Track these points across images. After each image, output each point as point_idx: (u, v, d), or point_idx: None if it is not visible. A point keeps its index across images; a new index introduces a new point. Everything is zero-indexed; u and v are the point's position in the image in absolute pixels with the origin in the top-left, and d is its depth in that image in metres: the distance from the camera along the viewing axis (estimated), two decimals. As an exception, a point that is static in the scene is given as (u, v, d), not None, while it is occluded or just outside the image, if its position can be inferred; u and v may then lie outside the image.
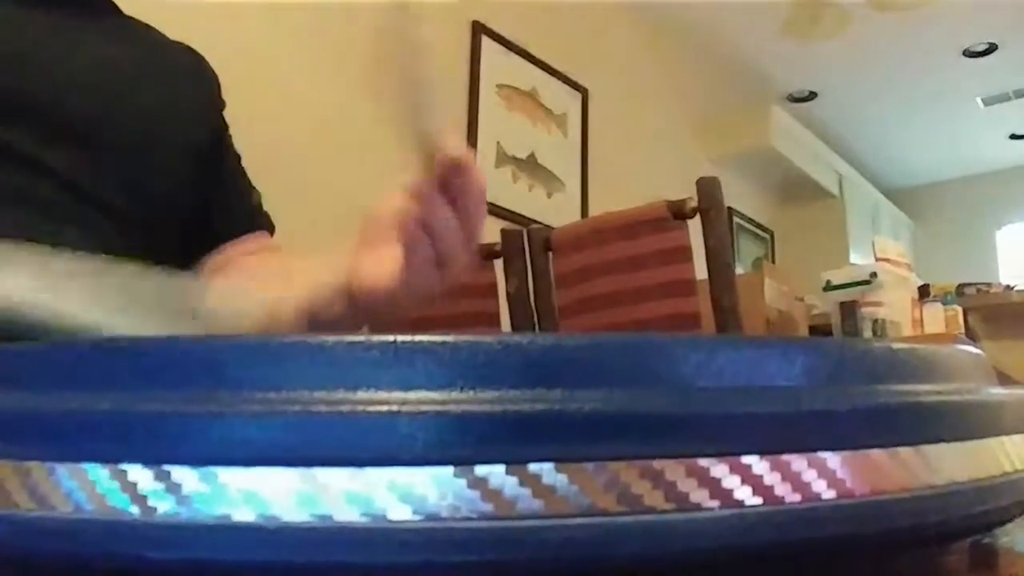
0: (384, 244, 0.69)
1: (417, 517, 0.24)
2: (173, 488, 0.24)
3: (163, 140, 0.93)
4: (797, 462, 0.26)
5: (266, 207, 1.06)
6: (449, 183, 0.69)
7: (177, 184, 0.93)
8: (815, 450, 0.27)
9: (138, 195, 0.88)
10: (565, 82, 4.29)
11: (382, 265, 0.68)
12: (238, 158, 1.05)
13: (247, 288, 0.87)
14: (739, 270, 4.29)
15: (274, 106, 2.82)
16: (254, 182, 1.06)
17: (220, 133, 1.04)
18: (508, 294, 2.40)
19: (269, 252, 0.99)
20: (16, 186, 0.80)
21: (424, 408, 0.24)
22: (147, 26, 1.01)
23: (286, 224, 1.10)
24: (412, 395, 0.25)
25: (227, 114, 1.06)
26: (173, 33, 1.04)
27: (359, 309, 0.73)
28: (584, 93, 4.41)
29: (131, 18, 1.00)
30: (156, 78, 0.96)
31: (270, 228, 1.04)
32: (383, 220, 0.70)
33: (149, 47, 0.99)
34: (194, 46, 1.06)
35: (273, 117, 2.77)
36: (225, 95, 1.07)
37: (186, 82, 1.01)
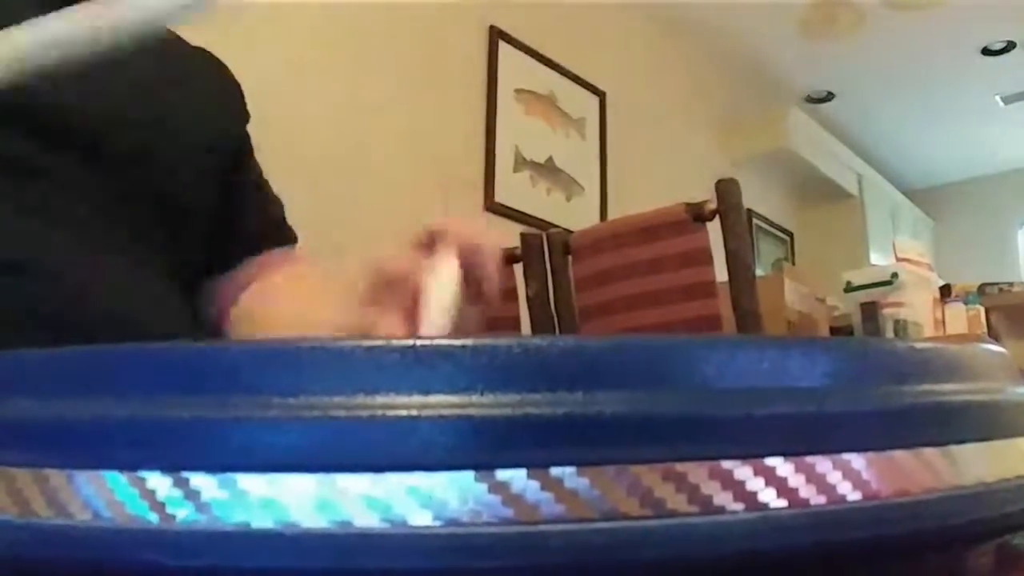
0: (398, 309, 0.68)
1: (438, 523, 0.23)
2: (192, 495, 0.24)
3: (178, 146, 0.90)
4: (822, 464, 0.26)
5: (298, 217, 1.04)
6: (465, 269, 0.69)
7: (193, 192, 0.91)
8: (840, 451, 0.26)
9: (153, 203, 0.86)
10: (583, 86, 4.29)
11: (397, 333, 0.69)
12: (259, 169, 1.04)
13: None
14: (759, 272, 4.28)
15: (307, 115, 2.82)
16: (284, 192, 1.04)
17: (240, 142, 1.01)
18: (528, 298, 2.40)
19: (291, 268, 0.98)
20: (24, 194, 0.77)
21: (444, 412, 0.24)
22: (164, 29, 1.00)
23: (315, 236, 1.09)
24: (432, 399, 0.25)
25: (265, 122, 1.03)
26: (210, 43, 1.02)
27: None
28: (602, 96, 4.41)
29: None
30: (171, 82, 0.93)
31: (293, 240, 1.03)
32: (395, 282, 0.70)
33: (165, 50, 0.97)
34: (229, 55, 1.04)
35: (307, 126, 2.77)
36: (263, 105, 1.04)
37: (203, 87, 0.98)
